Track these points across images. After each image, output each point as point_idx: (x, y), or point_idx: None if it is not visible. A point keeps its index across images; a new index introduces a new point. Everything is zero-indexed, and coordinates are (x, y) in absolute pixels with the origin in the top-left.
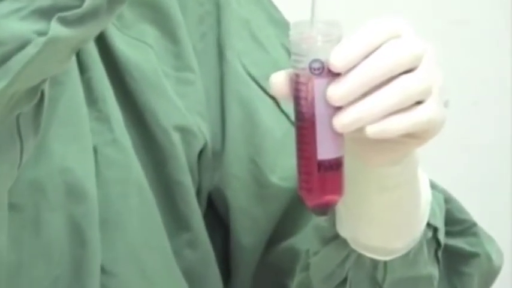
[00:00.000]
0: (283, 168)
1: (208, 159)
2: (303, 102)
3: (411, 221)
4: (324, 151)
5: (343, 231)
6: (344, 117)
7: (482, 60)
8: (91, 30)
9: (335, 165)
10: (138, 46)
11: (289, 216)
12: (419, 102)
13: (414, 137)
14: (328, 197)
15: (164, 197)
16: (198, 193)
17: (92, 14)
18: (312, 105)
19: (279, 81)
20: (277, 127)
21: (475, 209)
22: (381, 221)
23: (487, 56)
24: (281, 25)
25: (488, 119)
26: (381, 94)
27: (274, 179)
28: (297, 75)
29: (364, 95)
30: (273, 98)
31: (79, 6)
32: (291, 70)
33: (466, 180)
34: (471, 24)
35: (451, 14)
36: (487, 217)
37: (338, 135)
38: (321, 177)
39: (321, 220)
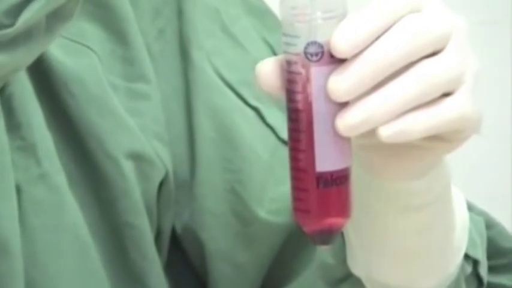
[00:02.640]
0: (272, 198)
1: (170, 193)
2: (297, 97)
3: (443, 253)
4: (325, 161)
5: (357, 268)
6: (350, 116)
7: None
8: (26, 55)
9: (339, 179)
10: (77, 51)
11: (284, 260)
12: (447, 95)
13: (442, 140)
14: (331, 220)
15: (111, 246)
16: (158, 238)
17: (27, 35)
18: (308, 101)
19: (267, 70)
20: (261, 146)
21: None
22: (404, 252)
23: None
24: (261, 14)
25: None
26: (397, 85)
27: (262, 213)
28: (289, 63)
29: (376, 87)
30: (254, 108)
31: (10, 26)
32: (281, 56)
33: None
34: (499, 25)
35: (477, 15)
36: None
37: (343, 140)
38: (321, 194)
39: (327, 257)
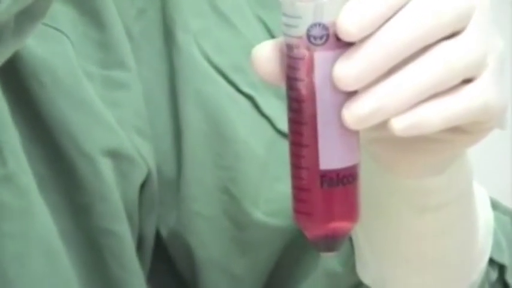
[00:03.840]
0: (269, 198)
1: (153, 195)
2: (298, 85)
3: (465, 258)
4: (330, 158)
5: (367, 276)
6: (359, 107)
7: None
8: None
9: (346, 179)
10: (48, 35)
11: (284, 267)
12: (467, 81)
13: (463, 132)
14: (336, 225)
15: (86, 256)
16: (140, 246)
17: None
18: (311, 90)
19: (264, 55)
20: (257, 139)
21: None
22: (421, 258)
23: None
24: None
25: None
26: (412, 71)
27: (258, 214)
28: (290, 47)
29: (388, 73)
30: (248, 96)
31: None
32: (281, 39)
33: None
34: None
35: None
36: None
37: (351, 134)
38: (325, 195)
39: (333, 264)
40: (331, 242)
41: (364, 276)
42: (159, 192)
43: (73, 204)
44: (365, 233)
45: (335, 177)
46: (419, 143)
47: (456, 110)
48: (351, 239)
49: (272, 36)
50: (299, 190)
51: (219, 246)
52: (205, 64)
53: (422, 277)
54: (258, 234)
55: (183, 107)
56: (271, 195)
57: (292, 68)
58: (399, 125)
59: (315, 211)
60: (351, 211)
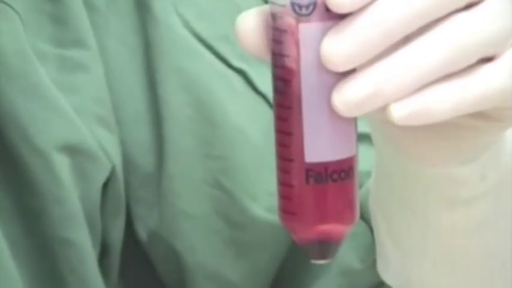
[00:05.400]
0: (271, 191)
1: (118, 195)
2: (283, 62)
3: (503, 257)
4: (317, 149)
5: (389, 275)
6: (351, 90)
7: None
8: None
9: (337, 174)
10: None
11: (290, 270)
12: (485, 61)
13: (487, 118)
14: (326, 227)
15: (39, 269)
16: (104, 256)
17: None
18: (296, 68)
19: (248, 26)
20: (251, 121)
21: None
22: (451, 257)
23: None
24: None
25: None
26: (415, 49)
27: (258, 210)
28: (274, 17)
29: (387, 52)
30: (239, 71)
31: None
32: (267, 7)
33: None
34: None
35: None
36: None
37: (344, 122)
38: (312, 192)
39: (351, 260)
40: (322, 247)
41: (386, 275)
42: (135, 189)
43: (23, 208)
44: (387, 227)
45: (323, 171)
46: (439, 128)
47: (470, 95)
48: (371, 231)
49: (265, 1)
50: (283, 186)
51: (210, 249)
52: (187, 35)
53: (452, 279)
54: (258, 234)
55: (162, 87)
56: (272, 187)
57: (276, 41)
58: (400, 112)
59: (300, 211)
60: (343, 212)
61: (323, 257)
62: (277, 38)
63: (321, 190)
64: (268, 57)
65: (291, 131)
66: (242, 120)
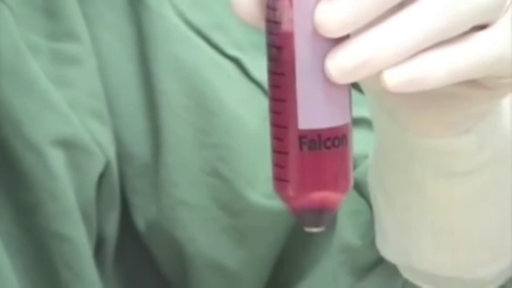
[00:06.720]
0: (267, 177)
1: (113, 188)
2: (276, 29)
3: (503, 231)
4: (311, 116)
5: (388, 251)
6: (345, 56)
7: None
8: None
9: (330, 141)
10: None
11: (291, 256)
12: (480, 28)
13: (481, 87)
14: (320, 195)
15: (33, 263)
16: (99, 250)
17: None
18: (290, 35)
19: None
20: (248, 109)
21: None
22: (450, 231)
23: None
24: None
25: None
26: (409, 15)
27: (256, 197)
28: None
29: (381, 18)
30: (234, 59)
31: None
32: None
33: None
34: None
35: None
36: None
37: (337, 89)
38: (305, 159)
39: (351, 237)
40: (316, 215)
41: (385, 249)
42: (132, 179)
43: (18, 203)
44: (386, 202)
45: (317, 139)
46: (433, 97)
47: (464, 62)
48: (371, 208)
49: None
50: (277, 153)
51: (209, 238)
52: (181, 24)
53: (451, 254)
54: (257, 221)
55: (157, 77)
56: (270, 173)
57: (271, 8)
58: (394, 79)
59: (293, 178)
60: (337, 180)
61: (317, 224)
62: (272, 5)
63: (314, 157)
64: (262, 25)
65: (284, 98)
66: (238, 108)
